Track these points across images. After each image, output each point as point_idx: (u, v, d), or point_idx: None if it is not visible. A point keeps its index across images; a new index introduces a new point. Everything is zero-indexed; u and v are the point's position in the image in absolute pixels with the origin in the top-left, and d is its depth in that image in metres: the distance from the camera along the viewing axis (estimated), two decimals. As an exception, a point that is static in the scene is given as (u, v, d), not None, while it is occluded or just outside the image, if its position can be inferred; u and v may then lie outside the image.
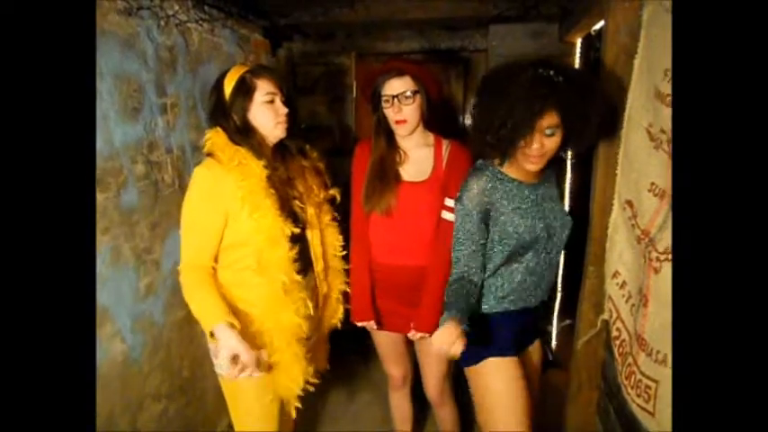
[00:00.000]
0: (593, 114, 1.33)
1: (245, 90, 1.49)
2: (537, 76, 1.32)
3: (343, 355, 2.06)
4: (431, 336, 1.73)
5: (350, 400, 2.65)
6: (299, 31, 2.99)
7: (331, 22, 2.66)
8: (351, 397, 2.68)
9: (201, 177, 1.46)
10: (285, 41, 3.04)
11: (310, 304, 1.58)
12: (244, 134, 1.50)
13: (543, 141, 1.36)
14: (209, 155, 1.50)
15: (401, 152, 1.75)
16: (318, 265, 1.69)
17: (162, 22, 1.87)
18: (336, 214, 1.78)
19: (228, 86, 1.50)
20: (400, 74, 1.63)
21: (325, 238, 1.74)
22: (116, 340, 1.68)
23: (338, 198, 1.77)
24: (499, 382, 1.51)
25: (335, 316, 1.84)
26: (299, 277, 1.54)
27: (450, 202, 1.66)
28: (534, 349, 1.73)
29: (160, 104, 1.87)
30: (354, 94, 3.15)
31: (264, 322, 1.54)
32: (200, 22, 2.11)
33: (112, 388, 1.66)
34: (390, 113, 1.66)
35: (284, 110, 1.54)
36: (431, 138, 1.76)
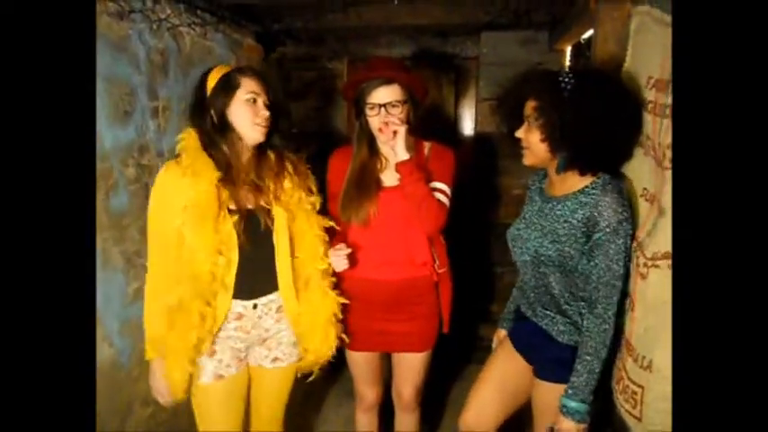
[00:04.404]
0: (568, 126, 1.26)
1: (228, 87, 1.43)
2: (543, 73, 1.42)
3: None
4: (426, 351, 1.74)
5: (340, 404, 2.65)
6: (291, 35, 2.99)
7: (323, 27, 2.67)
8: (342, 400, 2.67)
9: (159, 180, 1.43)
10: (277, 46, 3.04)
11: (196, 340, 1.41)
12: (220, 132, 1.44)
13: (526, 132, 1.37)
14: (178, 156, 1.45)
15: (382, 159, 1.68)
16: (285, 279, 1.53)
17: (154, 26, 1.87)
18: (326, 221, 1.61)
19: (211, 83, 1.45)
20: (388, 82, 1.56)
21: (302, 248, 1.57)
22: (104, 344, 1.67)
23: (317, 205, 1.61)
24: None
25: (324, 343, 1.60)
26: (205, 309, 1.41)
27: (437, 185, 1.62)
28: (543, 387, 1.46)
29: (151, 108, 1.87)
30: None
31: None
32: (193, 25, 2.11)
33: (100, 392, 1.64)
34: (375, 121, 1.58)
35: (265, 112, 1.46)
36: (411, 141, 1.65)
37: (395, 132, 1.55)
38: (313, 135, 3.22)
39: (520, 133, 1.39)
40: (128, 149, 1.74)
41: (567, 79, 1.30)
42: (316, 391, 2.70)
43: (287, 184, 1.54)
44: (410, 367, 1.79)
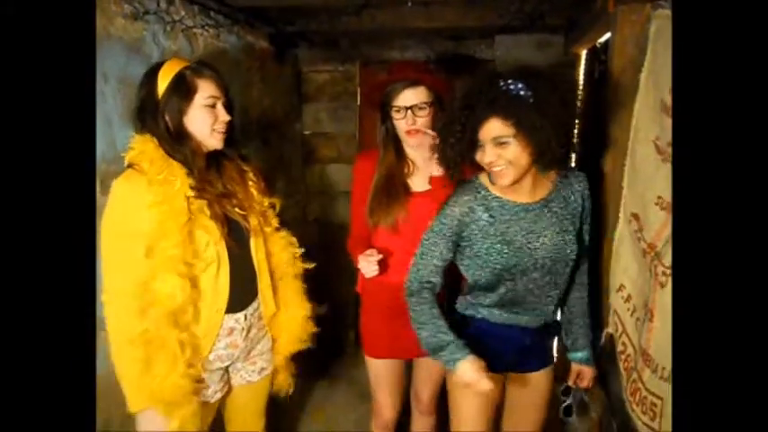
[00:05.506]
0: (546, 125, 1.22)
1: (184, 90, 1.30)
2: (482, 87, 1.29)
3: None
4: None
5: (351, 407, 2.63)
6: (304, 38, 2.99)
7: (337, 30, 2.66)
8: (354, 402, 2.66)
9: (122, 192, 1.27)
10: (290, 48, 3.04)
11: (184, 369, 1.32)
12: (177, 140, 1.31)
13: (498, 152, 1.27)
14: (130, 166, 1.31)
15: (410, 163, 1.67)
16: (264, 281, 1.51)
17: (168, 27, 1.87)
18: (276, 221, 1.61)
19: (163, 83, 1.30)
20: (415, 84, 1.54)
21: (271, 248, 1.57)
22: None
23: (278, 206, 1.60)
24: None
25: (297, 337, 1.65)
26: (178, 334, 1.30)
27: None
28: (541, 376, 1.57)
29: (164, 109, 1.86)
30: (359, 102, 3.15)
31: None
32: (206, 27, 2.11)
33: (108, 398, 1.63)
34: (402, 124, 1.57)
35: (226, 117, 1.36)
36: None
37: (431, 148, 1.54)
38: (325, 137, 3.23)
39: (489, 157, 1.28)
40: (140, 150, 1.73)
41: (518, 86, 1.24)
42: (327, 395, 2.69)
43: (253, 190, 1.52)
44: (430, 371, 1.81)
